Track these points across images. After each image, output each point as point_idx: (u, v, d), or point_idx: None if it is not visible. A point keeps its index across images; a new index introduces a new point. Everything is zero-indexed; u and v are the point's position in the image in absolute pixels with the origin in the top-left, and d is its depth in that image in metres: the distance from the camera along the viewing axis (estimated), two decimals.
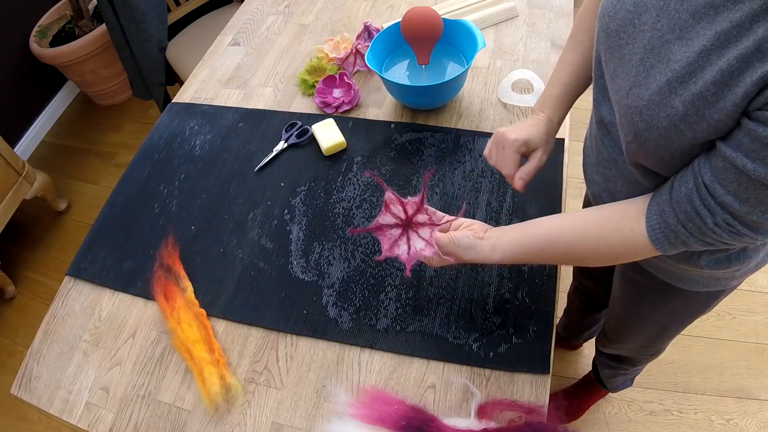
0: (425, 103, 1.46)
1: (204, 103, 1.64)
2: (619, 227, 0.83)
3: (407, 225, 1.00)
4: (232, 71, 1.73)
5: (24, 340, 2.58)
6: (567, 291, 1.92)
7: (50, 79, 3.47)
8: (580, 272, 1.70)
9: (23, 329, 2.62)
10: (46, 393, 1.17)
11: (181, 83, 2.63)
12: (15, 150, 3.16)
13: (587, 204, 1.40)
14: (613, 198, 0.97)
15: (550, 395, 1.03)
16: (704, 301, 1.15)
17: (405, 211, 0.98)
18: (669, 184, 0.77)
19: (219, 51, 1.81)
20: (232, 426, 1.07)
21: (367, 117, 1.50)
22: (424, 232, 0.99)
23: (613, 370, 1.71)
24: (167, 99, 2.72)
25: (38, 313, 2.64)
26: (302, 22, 1.84)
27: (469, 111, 1.46)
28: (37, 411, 1.15)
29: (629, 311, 1.33)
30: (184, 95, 1.69)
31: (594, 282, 1.62)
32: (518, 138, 1.03)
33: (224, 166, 1.46)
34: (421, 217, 0.99)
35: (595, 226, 0.86)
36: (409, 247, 1.00)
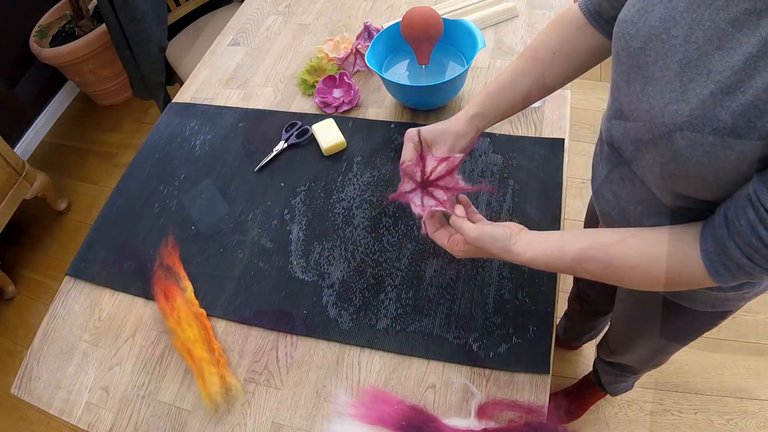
0: (425, 103, 1.46)
1: (204, 103, 1.64)
2: (675, 250, 0.78)
3: (423, 185, 0.99)
4: (232, 71, 1.73)
5: (24, 340, 2.58)
6: (567, 293, 1.92)
7: (50, 79, 3.47)
8: (582, 280, 1.69)
9: (23, 329, 2.63)
10: (46, 393, 1.17)
11: (181, 83, 2.63)
12: (15, 150, 3.16)
13: (591, 213, 1.39)
14: (623, 216, 0.96)
15: (550, 395, 1.03)
16: (710, 320, 1.13)
17: (422, 171, 0.98)
18: (721, 218, 0.72)
19: (219, 51, 1.81)
20: (232, 426, 1.07)
21: (367, 117, 1.50)
22: (439, 192, 0.98)
23: (614, 377, 1.71)
24: (167, 99, 2.72)
25: (38, 313, 2.65)
26: (302, 21, 1.84)
27: None
28: (37, 411, 1.16)
29: (633, 327, 1.33)
30: (184, 95, 1.69)
31: (597, 292, 1.62)
32: (418, 130, 1.03)
33: (224, 166, 1.46)
34: (447, 180, 0.98)
35: (649, 245, 0.81)
36: (422, 204, 0.99)
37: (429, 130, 1.03)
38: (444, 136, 1.02)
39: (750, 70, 0.61)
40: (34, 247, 2.94)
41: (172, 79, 2.76)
